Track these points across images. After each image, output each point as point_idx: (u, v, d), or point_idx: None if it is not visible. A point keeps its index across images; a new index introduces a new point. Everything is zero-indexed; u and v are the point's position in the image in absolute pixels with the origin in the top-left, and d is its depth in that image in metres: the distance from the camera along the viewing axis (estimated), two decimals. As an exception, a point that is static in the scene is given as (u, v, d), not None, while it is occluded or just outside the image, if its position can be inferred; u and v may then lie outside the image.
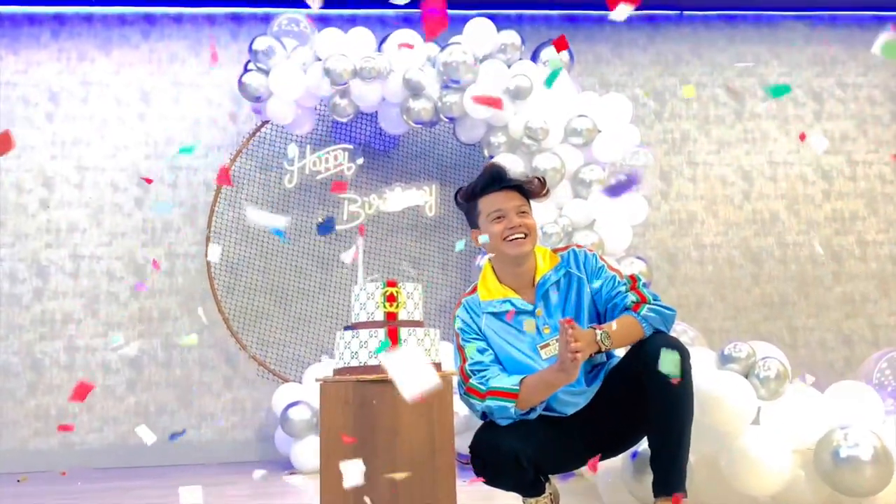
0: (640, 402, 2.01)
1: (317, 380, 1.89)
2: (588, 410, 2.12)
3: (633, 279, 2.11)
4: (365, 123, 4.56)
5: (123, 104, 4.66)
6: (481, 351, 2.07)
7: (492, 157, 4.20)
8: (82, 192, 4.55)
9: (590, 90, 4.58)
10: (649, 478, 2.20)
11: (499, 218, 2.09)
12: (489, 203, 2.12)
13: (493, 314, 2.11)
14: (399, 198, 4.20)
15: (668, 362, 1.84)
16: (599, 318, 2.13)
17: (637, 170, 3.97)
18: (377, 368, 1.81)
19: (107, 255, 4.52)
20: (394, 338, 1.85)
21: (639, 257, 4.08)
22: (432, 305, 4.55)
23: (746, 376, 2.33)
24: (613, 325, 2.00)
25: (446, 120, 4.22)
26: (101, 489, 3.51)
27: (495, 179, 2.13)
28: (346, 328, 1.93)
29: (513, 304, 2.11)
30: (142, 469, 4.18)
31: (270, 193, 4.58)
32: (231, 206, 4.54)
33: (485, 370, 2.03)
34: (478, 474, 1.99)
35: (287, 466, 3.91)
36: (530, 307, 2.10)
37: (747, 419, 2.26)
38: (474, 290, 2.18)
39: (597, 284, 2.11)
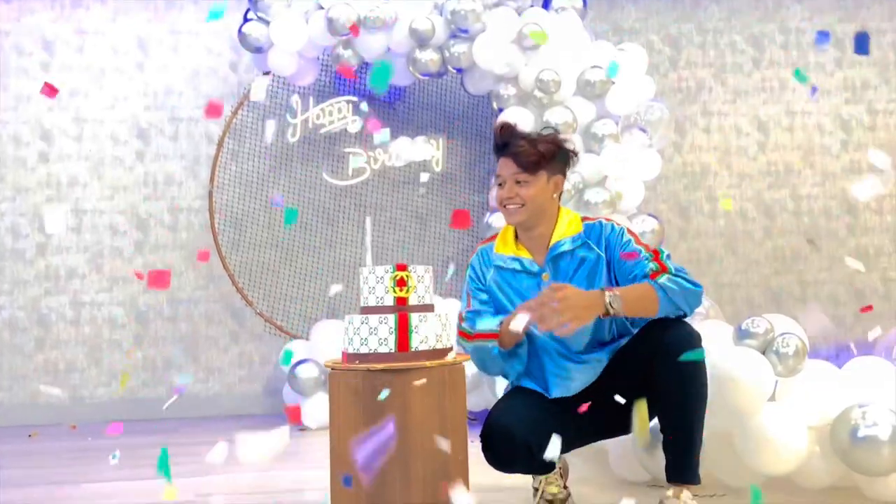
0: (652, 387, 1.96)
1: (326, 364, 1.85)
2: (598, 392, 2.08)
3: (657, 252, 2.02)
4: (370, 72, 4.40)
5: (121, 53, 4.50)
6: (483, 302, 2.08)
7: (501, 109, 4.07)
8: (81, 144, 4.44)
9: (602, 38, 4.41)
10: (660, 451, 2.19)
11: (500, 185, 2.08)
12: (498, 165, 2.11)
13: (500, 268, 2.10)
14: (405, 150, 4.11)
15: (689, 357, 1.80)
16: None
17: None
18: (387, 357, 1.76)
19: (109, 209, 4.45)
20: (404, 323, 1.79)
21: (651, 215, 3.99)
22: (439, 260, 4.49)
23: (764, 352, 2.28)
24: (628, 289, 1.93)
25: (454, 71, 4.07)
26: (113, 445, 3.54)
27: (500, 146, 2.09)
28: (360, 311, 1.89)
29: (521, 264, 2.08)
30: (150, 422, 4.21)
31: (273, 146, 4.47)
32: (234, 159, 4.44)
33: (477, 314, 2.05)
34: (489, 463, 1.97)
35: (295, 419, 3.93)
36: (537, 269, 2.07)
37: (764, 397, 2.22)
38: (493, 238, 2.17)
39: (619, 256, 2.04)
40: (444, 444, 1.59)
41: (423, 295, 1.85)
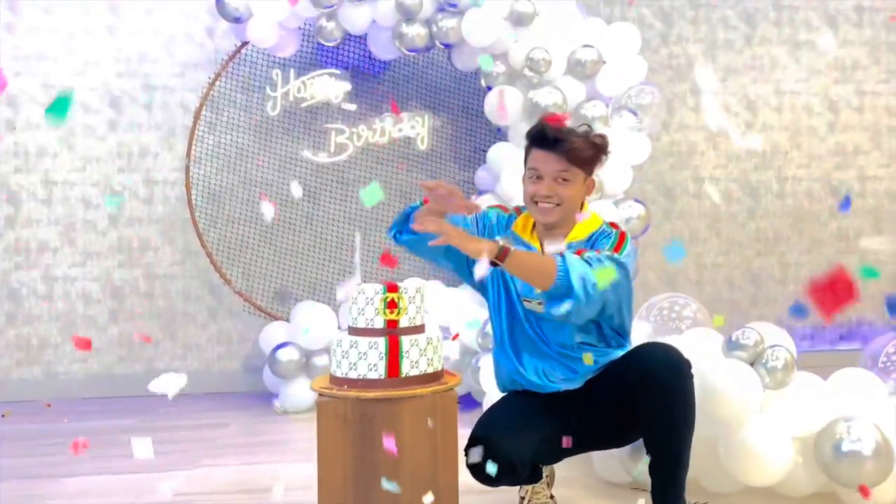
0: (639, 410, 1.95)
1: (313, 388, 1.79)
2: (586, 403, 2.06)
3: (613, 251, 1.94)
4: (353, 45, 4.24)
5: (91, 15, 4.28)
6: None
7: (490, 87, 3.96)
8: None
9: (594, 11, 4.29)
10: (643, 455, 2.19)
11: (536, 178, 1.98)
12: (532, 158, 2.01)
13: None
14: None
15: None
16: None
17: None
18: (377, 383, 1.71)
19: (81, 181, 4.29)
20: (395, 348, 1.74)
21: (637, 200, 3.94)
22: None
23: (753, 363, 2.28)
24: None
25: (442, 46, 3.94)
26: (91, 429, 3.48)
27: (545, 139, 1.96)
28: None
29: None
30: (127, 399, 4.15)
31: (252, 118, 4.32)
32: (211, 131, 4.29)
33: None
34: (474, 477, 1.95)
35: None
36: None
37: (751, 410, 2.22)
38: (517, 210, 2.14)
39: None
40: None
41: (414, 316, 1.79)
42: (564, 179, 1.96)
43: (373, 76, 4.34)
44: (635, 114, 3.85)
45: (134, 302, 4.33)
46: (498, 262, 1.76)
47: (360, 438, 1.68)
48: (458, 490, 1.76)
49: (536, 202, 1.98)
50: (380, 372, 1.72)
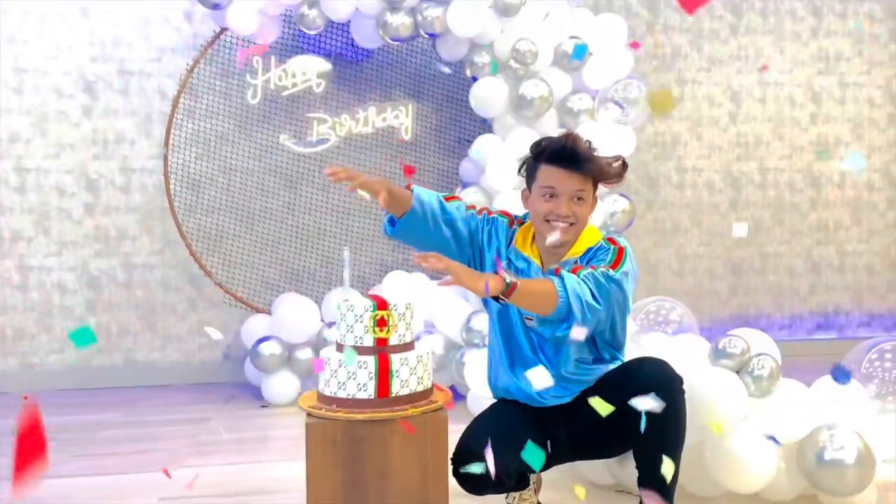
0: (631, 426, 1.95)
1: (301, 406, 1.77)
2: (576, 416, 2.06)
3: (610, 267, 1.89)
4: (336, 32, 4.16)
5: (62, -4, 4.14)
6: (455, 214, 2.01)
7: (475, 78, 3.91)
8: (22, 97, 4.12)
9: (581, 3, 4.23)
10: (631, 462, 2.20)
11: (550, 196, 1.91)
12: (546, 175, 1.93)
13: (509, 260, 2.03)
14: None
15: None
16: None
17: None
18: (367, 403, 1.69)
19: (55, 168, 4.18)
20: (384, 368, 1.71)
21: (622, 195, 3.93)
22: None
23: (738, 372, 2.29)
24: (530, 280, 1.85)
25: (426, 36, 3.86)
26: (71, 424, 3.43)
27: (564, 157, 1.91)
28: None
29: (528, 266, 2.00)
30: (105, 391, 4.10)
31: (232, 105, 4.23)
32: (189, 118, 4.20)
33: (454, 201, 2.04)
34: (461, 486, 1.95)
35: (257, 393, 3.88)
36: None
37: (736, 418, 2.24)
38: (519, 223, 2.08)
39: None
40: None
41: (403, 333, 1.77)
42: (580, 199, 1.92)
43: (355, 64, 4.26)
44: (622, 107, 3.83)
45: (112, 292, 4.25)
46: (503, 298, 1.70)
47: (349, 460, 1.67)
48: (448, 508, 1.75)
49: (549, 220, 1.92)
50: (369, 392, 1.70)
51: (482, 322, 3.51)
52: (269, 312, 4.01)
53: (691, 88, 4.79)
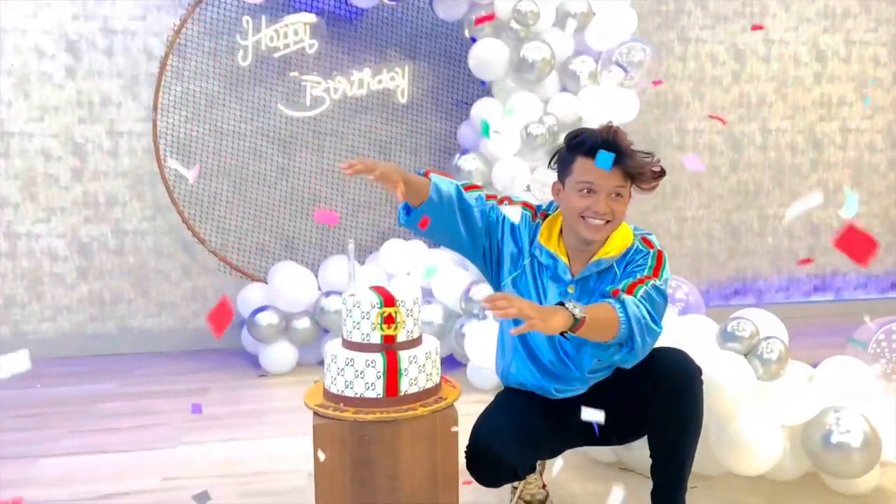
0: (649, 414, 1.93)
1: (307, 405, 1.73)
2: (591, 404, 2.04)
3: (646, 279, 1.84)
4: (329, -12, 3.99)
5: (39, -50, 3.93)
6: (480, 207, 1.92)
7: (474, 39, 3.77)
8: (2, 58, 3.96)
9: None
10: (635, 443, 2.21)
11: (588, 192, 1.82)
12: (585, 169, 1.82)
13: (534, 257, 1.94)
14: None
15: None
16: None
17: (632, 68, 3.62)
18: (376, 402, 1.65)
19: (39, 132, 4.05)
20: (393, 366, 1.67)
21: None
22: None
23: (747, 355, 2.27)
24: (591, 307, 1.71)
25: (424, -6, 3.71)
26: (67, 397, 3.40)
27: (600, 150, 1.77)
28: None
29: (556, 265, 1.91)
30: (100, 359, 4.06)
31: (222, 66, 4.08)
32: (178, 79, 4.05)
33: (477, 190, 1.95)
34: (475, 479, 1.93)
35: (254, 361, 3.85)
36: (568, 279, 1.91)
37: (744, 402, 2.22)
38: (543, 215, 1.98)
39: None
40: None
41: (411, 329, 1.72)
42: (618, 195, 1.83)
43: (348, 23, 4.10)
44: (625, 70, 3.72)
45: (103, 259, 4.17)
46: (570, 332, 1.61)
47: (358, 460, 1.64)
48: (458, 506, 1.73)
49: (584, 217, 1.83)
50: (377, 391, 1.66)
51: (482, 292, 3.47)
52: (264, 280, 3.95)
53: (694, 47, 4.66)
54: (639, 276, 1.84)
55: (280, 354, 3.70)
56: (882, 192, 5.00)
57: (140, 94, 4.09)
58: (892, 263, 5.07)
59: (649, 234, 1.96)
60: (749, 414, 2.21)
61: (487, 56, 3.68)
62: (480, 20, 3.63)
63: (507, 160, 3.65)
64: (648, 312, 1.75)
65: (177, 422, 3.10)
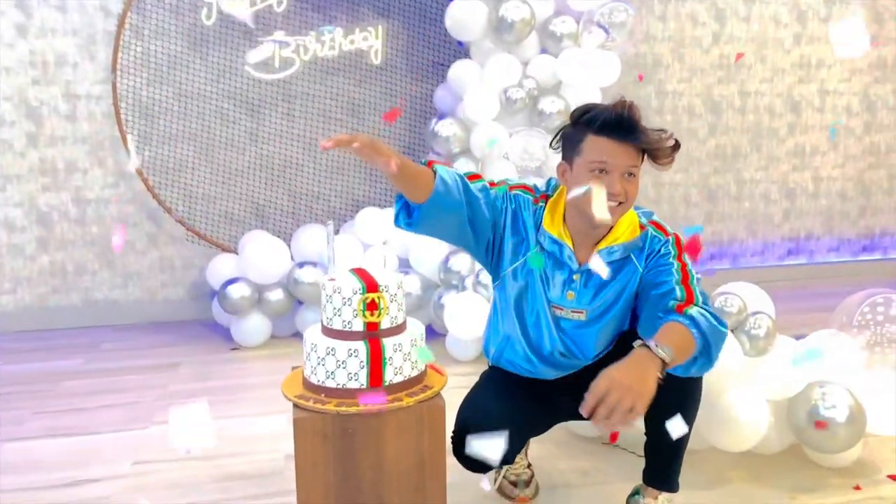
0: None
1: (286, 396, 1.64)
2: (583, 385, 1.99)
3: (685, 271, 1.76)
4: (297, -58, 3.78)
5: None
6: (483, 198, 1.75)
7: (450, -2, 3.62)
8: (-55, 15, 3.70)
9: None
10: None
11: (600, 171, 1.68)
12: (598, 147, 1.68)
13: (539, 245, 1.82)
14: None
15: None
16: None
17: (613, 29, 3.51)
18: (358, 393, 1.57)
19: (-10, 94, 3.82)
20: (376, 355, 1.59)
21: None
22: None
23: (734, 330, 2.23)
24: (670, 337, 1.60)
25: (398, -50, 3.53)
26: (29, 374, 3.27)
27: (621, 128, 1.68)
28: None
29: (561, 252, 1.79)
30: (64, 332, 3.92)
31: (184, 24, 3.87)
32: (138, 38, 3.84)
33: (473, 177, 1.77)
34: (462, 465, 1.88)
35: (226, 334, 3.75)
36: (575, 268, 1.80)
37: (731, 378, 2.19)
38: (544, 197, 1.85)
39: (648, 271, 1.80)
40: None
41: (395, 315, 1.63)
42: (631, 174, 1.72)
43: (319, -22, 3.91)
44: (607, 31, 3.60)
45: (64, 229, 4.00)
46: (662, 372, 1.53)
47: (341, 454, 1.56)
48: (445, 498, 1.67)
49: None
50: (361, 381, 1.58)
51: (460, 262, 3.40)
52: (234, 251, 3.83)
53: (674, 7, 4.54)
54: (668, 279, 1.74)
55: (253, 327, 3.60)
56: (857, 156, 4.99)
57: (97, 54, 3.87)
58: (864, 227, 5.10)
59: (653, 215, 1.88)
60: (736, 391, 2.19)
61: (465, 15, 3.53)
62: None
63: (486, 125, 3.54)
64: (713, 317, 1.68)
65: (148, 400, 3.00)
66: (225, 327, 3.77)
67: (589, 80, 3.62)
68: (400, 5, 4.01)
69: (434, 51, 4.06)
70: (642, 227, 1.84)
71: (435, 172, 1.66)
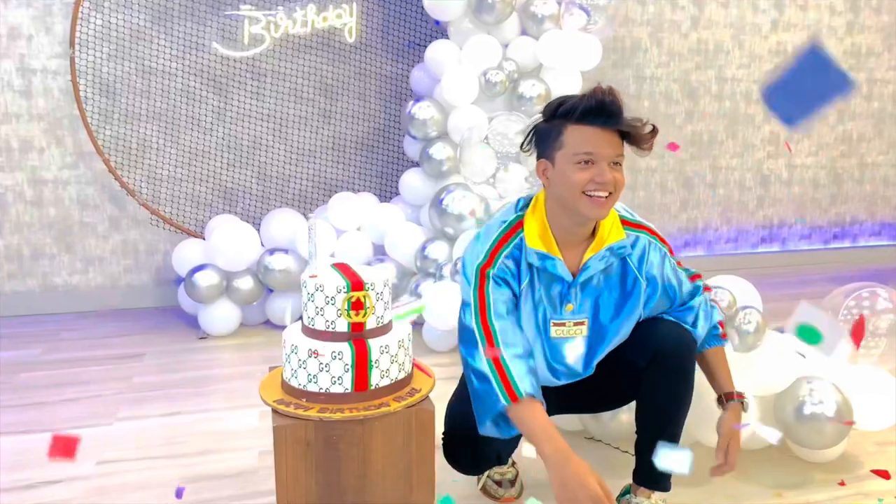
0: (640, 388, 1.83)
1: (264, 400, 1.54)
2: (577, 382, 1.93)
3: (678, 264, 1.85)
4: (267, -88, 3.61)
5: None
6: (504, 312, 1.64)
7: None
8: None
9: None
10: (603, 414, 2.13)
11: (586, 162, 1.59)
12: (581, 138, 1.59)
13: (531, 267, 1.70)
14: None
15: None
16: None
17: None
18: (343, 397, 1.48)
19: (-63, 67, 3.59)
20: (362, 357, 1.49)
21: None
22: (350, 140, 4.05)
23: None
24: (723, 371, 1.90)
25: (374, -77, 3.39)
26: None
27: (603, 112, 1.58)
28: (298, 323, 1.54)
29: (555, 266, 1.68)
30: (21, 320, 3.75)
31: (148, -4, 3.68)
32: (97, 10, 3.64)
33: (507, 330, 1.63)
34: (453, 467, 1.81)
35: (193, 322, 3.61)
36: (570, 279, 1.70)
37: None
38: (519, 225, 1.70)
39: (659, 288, 1.80)
40: None
41: (381, 315, 1.54)
42: (617, 163, 1.63)
43: (291, -48, 3.74)
44: (588, 13, 3.52)
45: (20, 210, 3.80)
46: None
47: (324, 463, 1.47)
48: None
49: (588, 192, 1.59)
50: (345, 385, 1.48)
51: (437, 250, 3.31)
52: (201, 236, 3.68)
53: (654, -10, 4.47)
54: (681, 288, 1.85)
55: (222, 315, 3.47)
56: (830, 144, 5.01)
57: (54, 26, 3.66)
58: (835, 215, 5.14)
59: (638, 217, 1.82)
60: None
61: (444, -6, 3.41)
62: None
63: (465, 108, 3.44)
64: (709, 304, 1.90)
65: (110, 393, 2.86)
66: (192, 315, 3.63)
67: (570, 62, 3.53)
68: (375, -18, 3.87)
69: (411, 30, 3.93)
70: (623, 222, 1.77)
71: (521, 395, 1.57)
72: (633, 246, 1.75)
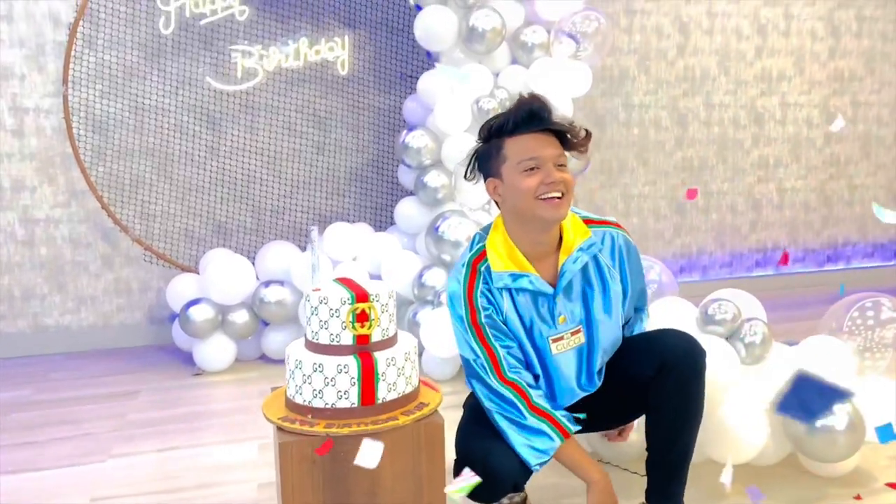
0: (649, 402, 1.79)
1: (268, 418, 1.49)
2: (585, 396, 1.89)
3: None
4: (259, -50, 3.66)
5: None
6: (516, 359, 1.66)
7: (419, 7, 3.54)
8: None
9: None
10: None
11: (533, 169, 1.62)
12: (521, 147, 1.63)
13: (509, 290, 1.68)
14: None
15: None
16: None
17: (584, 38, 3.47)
18: (350, 413, 1.43)
19: (-72, 108, 3.58)
20: (368, 371, 1.46)
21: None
22: (344, 172, 4.05)
23: (728, 338, 2.16)
24: None
25: (364, -42, 3.44)
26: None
27: (535, 117, 1.63)
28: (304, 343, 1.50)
29: (531, 282, 1.67)
30: (12, 361, 3.67)
31: (140, 34, 3.70)
32: (90, 48, 3.66)
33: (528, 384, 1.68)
34: (471, 498, 1.75)
35: (187, 359, 3.55)
36: (550, 291, 1.70)
37: (727, 388, 2.12)
38: (483, 255, 1.70)
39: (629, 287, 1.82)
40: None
41: (387, 327, 1.51)
42: (561, 165, 1.66)
43: (282, -12, 3.79)
44: (577, 41, 3.56)
45: (11, 251, 3.76)
46: None
47: (332, 479, 1.42)
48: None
49: (542, 196, 1.62)
50: (352, 400, 1.44)
51: (434, 277, 3.29)
52: (195, 271, 3.64)
53: (640, 19, 4.55)
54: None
55: (217, 350, 3.41)
56: (818, 167, 5.05)
57: (46, 65, 3.67)
58: (827, 237, 5.16)
59: (594, 215, 1.85)
60: (733, 402, 2.11)
61: (435, 25, 3.45)
62: None
63: (458, 136, 3.45)
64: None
65: (103, 431, 2.79)
66: (186, 352, 3.57)
67: (560, 90, 3.57)
68: (366, 15, 3.91)
69: (402, 62, 3.97)
70: (586, 221, 1.80)
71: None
72: (602, 241, 1.78)
